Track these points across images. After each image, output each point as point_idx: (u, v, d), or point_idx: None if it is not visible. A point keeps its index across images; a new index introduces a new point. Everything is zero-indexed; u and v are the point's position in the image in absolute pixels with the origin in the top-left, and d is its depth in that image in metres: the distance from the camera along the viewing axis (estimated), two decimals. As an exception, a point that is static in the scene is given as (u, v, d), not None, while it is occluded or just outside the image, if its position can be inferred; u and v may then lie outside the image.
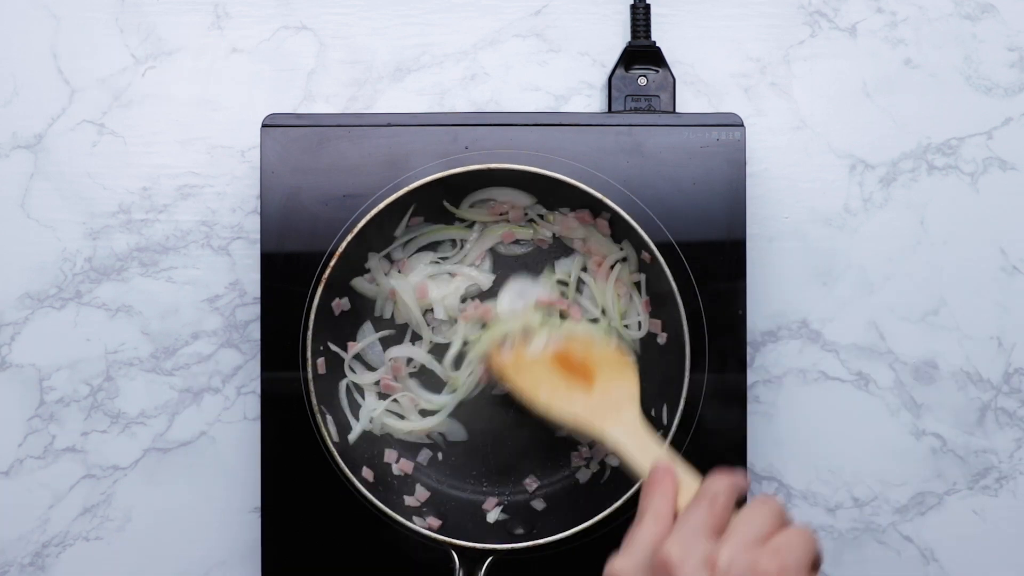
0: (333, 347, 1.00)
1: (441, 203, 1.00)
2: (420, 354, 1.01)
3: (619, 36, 1.07)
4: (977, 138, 1.06)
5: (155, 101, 1.06)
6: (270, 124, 1.01)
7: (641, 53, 1.04)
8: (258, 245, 1.02)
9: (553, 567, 1.00)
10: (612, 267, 1.01)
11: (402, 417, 1.02)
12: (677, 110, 1.04)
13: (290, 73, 1.06)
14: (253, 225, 1.05)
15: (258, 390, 1.02)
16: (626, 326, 1.00)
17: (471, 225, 1.01)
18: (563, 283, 1.01)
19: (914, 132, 1.06)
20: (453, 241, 1.02)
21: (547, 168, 0.98)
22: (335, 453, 0.97)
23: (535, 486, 1.02)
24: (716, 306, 1.00)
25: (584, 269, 1.01)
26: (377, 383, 1.02)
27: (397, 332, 1.02)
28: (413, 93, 1.06)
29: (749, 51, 1.06)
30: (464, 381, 1.00)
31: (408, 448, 1.02)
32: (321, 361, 0.99)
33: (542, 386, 0.94)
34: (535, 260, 1.02)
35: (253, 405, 1.05)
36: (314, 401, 0.97)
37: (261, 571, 1.01)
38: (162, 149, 1.06)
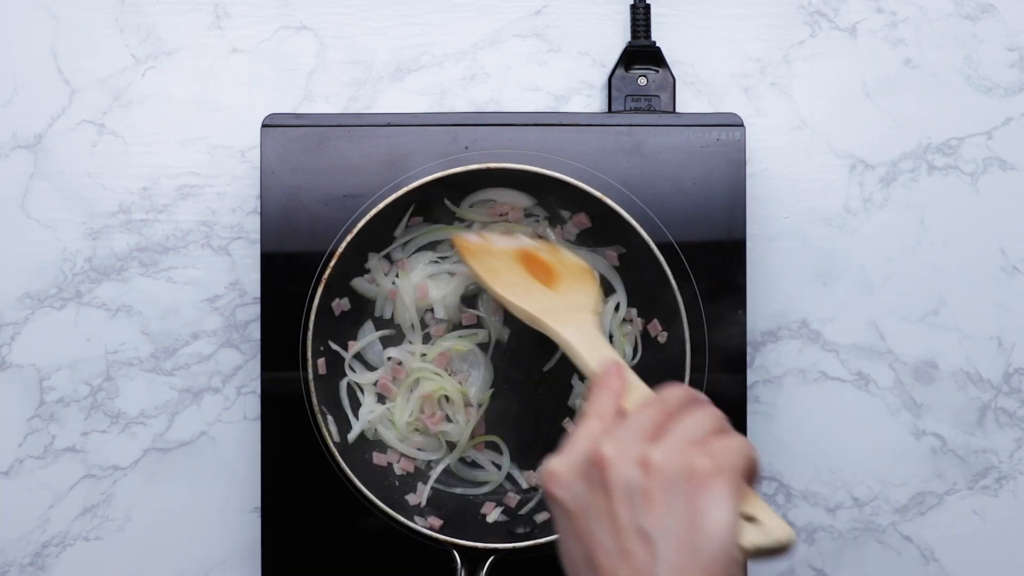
0: (334, 346, 1.00)
1: (441, 202, 1.00)
2: (411, 360, 1.01)
3: (619, 36, 1.07)
4: (977, 138, 1.06)
5: (155, 101, 1.06)
6: (270, 124, 1.01)
7: (641, 53, 1.04)
8: (258, 245, 1.02)
9: (554, 567, 1.00)
10: (616, 308, 1.02)
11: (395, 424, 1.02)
12: (677, 110, 1.04)
13: (290, 73, 1.06)
14: (253, 225, 1.05)
15: (258, 390, 1.02)
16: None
17: (470, 225, 1.01)
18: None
19: (914, 132, 1.06)
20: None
21: (547, 168, 0.98)
22: (335, 453, 0.97)
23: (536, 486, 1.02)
24: (716, 306, 1.00)
25: None
26: (376, 383, 1.01)
27: (397, 332, 1.02)
28: (413, 93, 1.06)
29: (749, 51, 1.06)
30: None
31: (408, 448, 1.03)
32: (321, 361, 0.99)
33: (503, 276, 0.94)
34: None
35: (253, 405, 1.05)
36: (314, 401, 0.97)
37: (261, 571, 1.01)
38: (162, 149, 1.06)
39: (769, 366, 1.05)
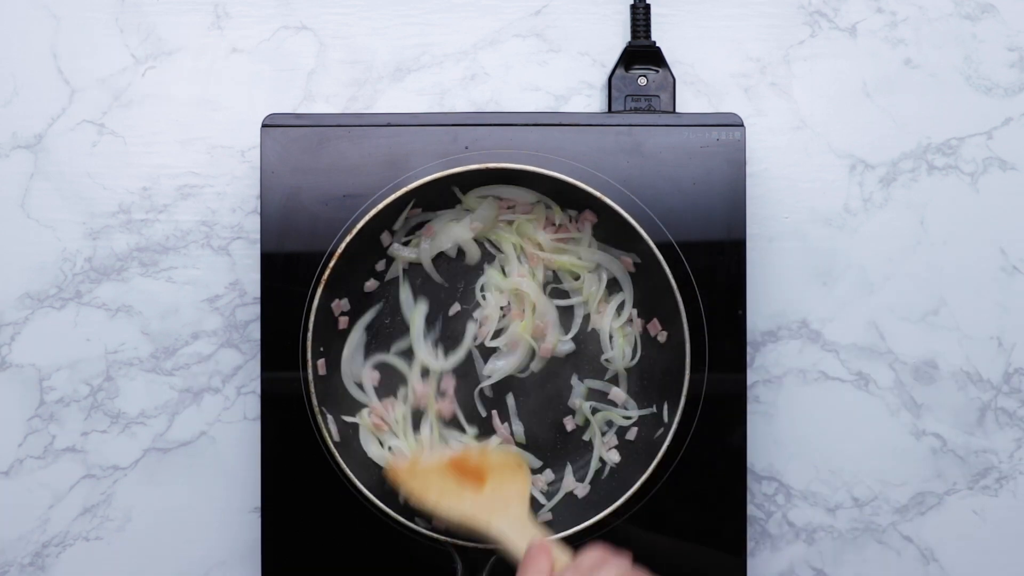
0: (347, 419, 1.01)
1: (443, 194, 1.00)
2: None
3: (619, 36, 1.07)
4: (977, 138, 1.06)
5: (155, 101, 1.06)
6: (270, 124, 1.01)
7: (641, 53, 1.04)
8: (258, 245, 1.02)
9: (553, 567, 1.00)
10: (619, 308, 1.02)
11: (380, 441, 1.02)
12: (677, 110, 1.04)
13: (290, 73, 1.06)
14: (253, 225, 1.05)
15: (258, 390, 1.02)
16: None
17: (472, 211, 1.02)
18: None
19: (914, 132, 1.06)
20: None
21: (547, 168, 0.98)
22: (335, 453, 0.97)
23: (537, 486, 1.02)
24: (716, 306, 1.00)
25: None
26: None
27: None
28: (413, 93, 1.06)
29: (749, 51, 1.06)
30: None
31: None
32: (321, 361, 0.99)
33: (432, 489, 0.96)
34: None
35: (253, 405, 1.05)
36: (314, 401, 0.97)
37: (261, 571, 1.01)
38: (162, 149, 1.06)
39: (769, 366, 1.05)
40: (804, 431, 1.05)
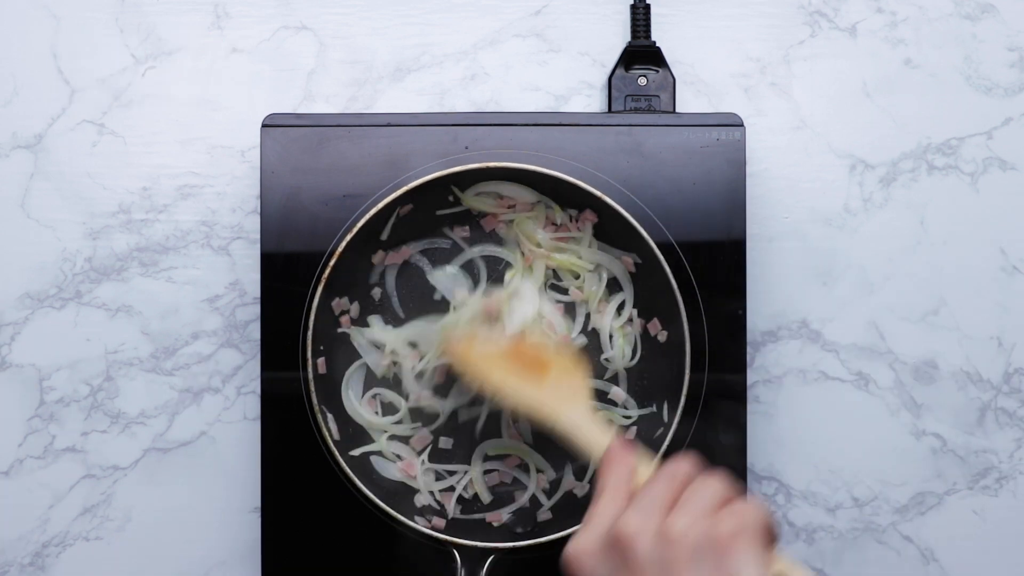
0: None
1: (441, 195, 1.00)
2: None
3: (619, 36, 1.07)
4: (977, 138, 1.06)
5: (155, 101, 1.06)
6: (270, 124, 1.01)
7: (641, 53, 1.04)
8: (258, 245, 1.02)
9: (555, 566, 1.00)
10: (619, 308, 1.02)
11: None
12: (677, 110, 1.04)
13: (290, 73, 1.06)
14: (253, 225, 1.05)
15: (258, 390, 1.02)
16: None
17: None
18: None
19: (914, 132, 1.06)
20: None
21: (547, 168, 0.98)
22: (335, 453, 0.97)
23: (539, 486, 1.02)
24: (716, 306, 1.00)
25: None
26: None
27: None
28: (413, 93, 1.06)
29: (749, 51, 1.06)
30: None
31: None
32: (321, 361, 0.99)
33: (494, 371, 0.94)
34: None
35: (253, 405, 1.05)
36: (314, 401, 0.97)
37: (261, 571, 1.01)
38: (162, 149, 1.06)
39: (769, 366, 1.05)
40: (804, 431, 1.05)
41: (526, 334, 0.99)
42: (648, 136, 1.01)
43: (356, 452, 1.00)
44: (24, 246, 1.05)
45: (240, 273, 1.05)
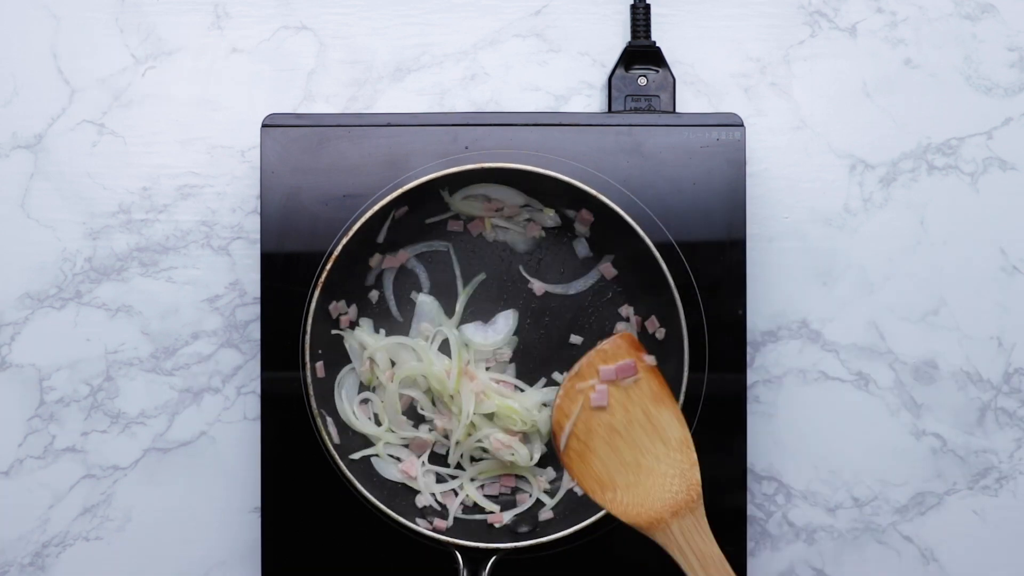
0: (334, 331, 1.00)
1: (435, 196, 1.00)
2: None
3: (619, 36, 1.07)
4: (977, 138, 1.06)
5: (155, 101, 1.06)
6: (270, 124, 1.01)
7: (641, 53, 1.04)
8: (258, 245, 1.02)
9: (556, 566, 1.00)
10: None
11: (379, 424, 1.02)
12: (677, 110, 1.04)
13: (290, 73, 1.06)
14: (253, 225, 1.05)
15: (258, 390, 1.02)
16: None
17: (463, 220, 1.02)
18: None
19: (914, 132, 1.06)
20: None
21: (547, 168, 0.98)
22: (335, 455, 0.97)
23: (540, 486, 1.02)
24: (716, 306, 1.00)
25: None
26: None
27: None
28: (413, 93, 1.06)
29: (749, 51, 1.06)
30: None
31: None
32: (319, 364, 0.99)
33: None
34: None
35: (253, 405, 1.05)
36: (314, 404, 0.97)
37: (261, 571, 1.01)
38: (162, 149, 1.06)
39: (769, 366, 1.05)
40: (804, 431, 1.05)
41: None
42: (648, 136, 1.01)
43: (356, 456, 1.00)
44: (24, 246, 1.05)
45: (240, 273, 1.05)
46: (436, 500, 1.00)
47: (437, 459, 1.02)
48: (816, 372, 1.05)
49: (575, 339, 1.02)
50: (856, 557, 1.05)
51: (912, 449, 1.05)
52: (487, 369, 1.01)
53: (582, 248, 1.02)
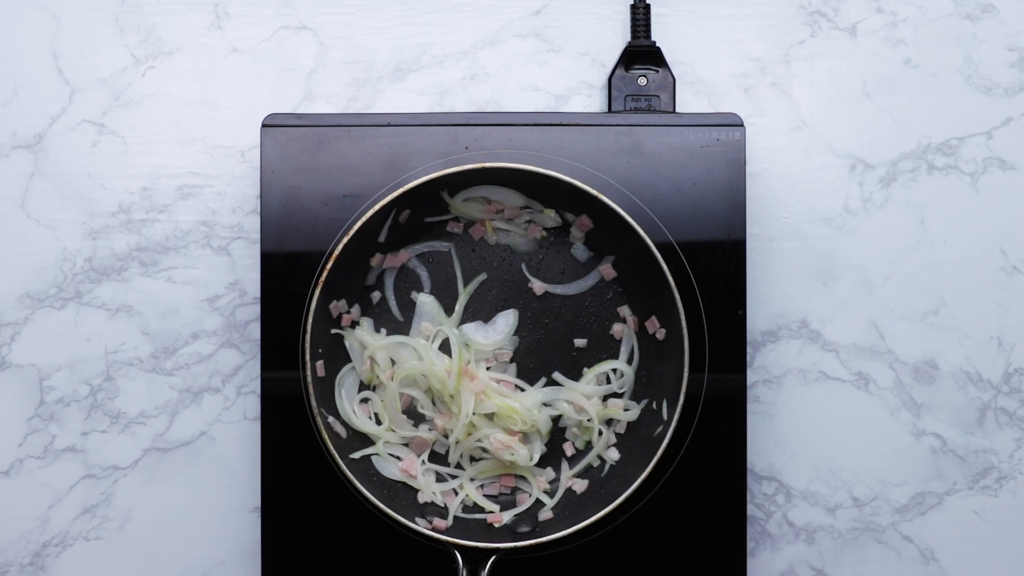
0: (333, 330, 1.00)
1: (435, 198, 1.00)
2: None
3: (619, 36, 1.07)
4: (977, 138, 1.06)
5: (155, 101, 1.06)
6: (270, 124, 1.01)
7: (641, 53, 1.04)
8: (258, 245, 1.02)
9: (556, 566, 1.00)
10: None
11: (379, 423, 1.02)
12: (677, 110, 1.04)
13: (290, 73, 1.06)
14: (253, 225, 1.05)
15: (258, 390, 1.02)
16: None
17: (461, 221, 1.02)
18: None
19: (914, 132, 1.06)
20: None
21: (547, 168, 0.98)
22: (335, 454, 0.97)
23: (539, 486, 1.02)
24: (716, 306, 1.00)
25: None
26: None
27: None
28: (413, 93, 1.06)
29: (749, 51, 1.06)
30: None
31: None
32: (320, 364, 0.99)
33: None
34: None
35: (253, 405, 1.05)
36: (314, 404, 0.97)
37: (261, 571, 1.01)
38: (162, 149, 1.06)
39: (769, 366, 1.05)
40: (804, 431, 1.05)
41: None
42: (648, 136, 1.01)
43: (356, 455, 1.00)
44: (24, 246, 1.05)
45: (240, 273, 1.05)
46: (436, 499, 1.00)
47: (437, 458, 1.02)
48: (816, 372, 1.05)
49: (579, 342, 1.02)
50: (856, 557, 1.05)
51: (912, 449, 1.05)
52: (487, 369, 1.01)
53: (581, 252, 1.02)
